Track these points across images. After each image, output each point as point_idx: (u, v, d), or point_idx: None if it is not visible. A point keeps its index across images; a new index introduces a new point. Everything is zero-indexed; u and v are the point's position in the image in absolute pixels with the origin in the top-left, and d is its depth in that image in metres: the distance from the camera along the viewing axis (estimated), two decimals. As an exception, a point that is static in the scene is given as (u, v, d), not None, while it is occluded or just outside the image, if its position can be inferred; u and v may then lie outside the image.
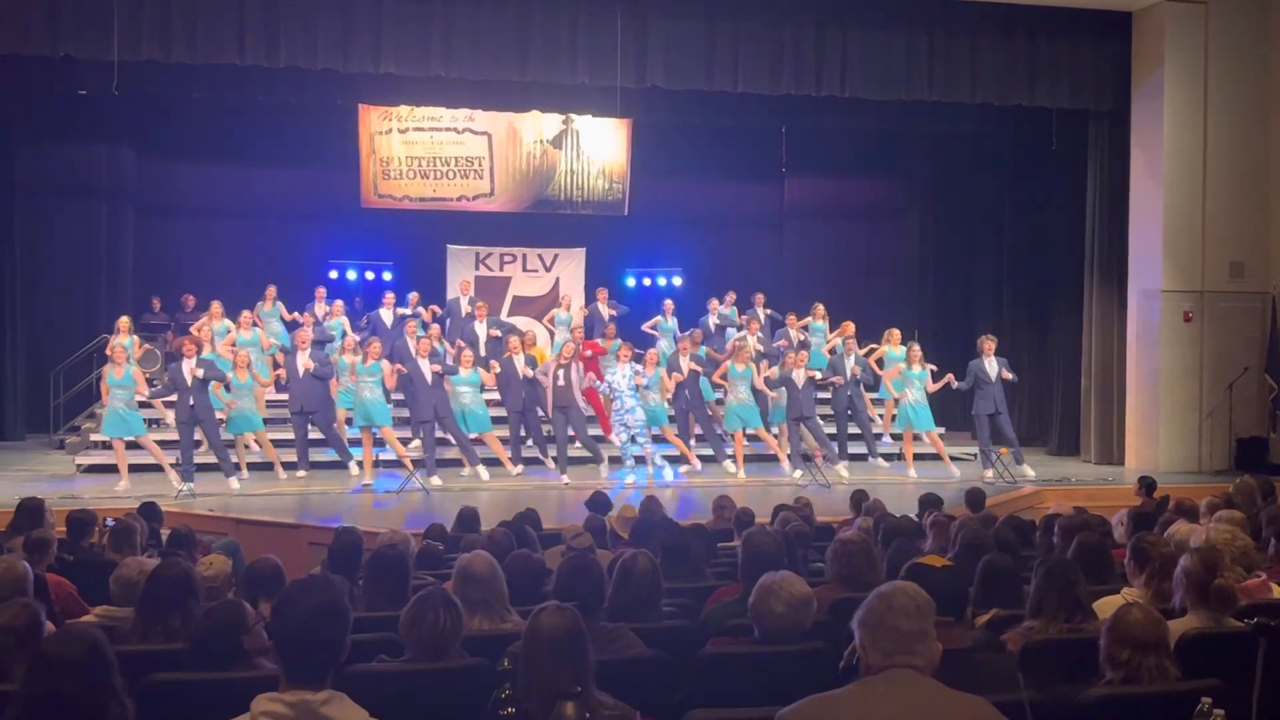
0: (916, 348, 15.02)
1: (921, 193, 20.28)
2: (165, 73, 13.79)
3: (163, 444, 13.66)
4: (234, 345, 14.69)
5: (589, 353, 15.51)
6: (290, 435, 14.29)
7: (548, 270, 19.46)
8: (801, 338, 16.18)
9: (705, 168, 19.51)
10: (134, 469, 13.37)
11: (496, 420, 14.76)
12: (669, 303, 17.59)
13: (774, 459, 14.88)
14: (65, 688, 3.06)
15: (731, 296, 17.60)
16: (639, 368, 14.14)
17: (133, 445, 13.39)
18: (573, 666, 3.48)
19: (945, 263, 19.81)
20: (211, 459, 13.55)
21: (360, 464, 14.00)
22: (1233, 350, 15.47)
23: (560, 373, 14.44)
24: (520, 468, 14.45)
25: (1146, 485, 10.76)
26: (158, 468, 13.28)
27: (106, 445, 14.85)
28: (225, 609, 4.35)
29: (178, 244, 18.80)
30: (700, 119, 16.78)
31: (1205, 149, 15.35)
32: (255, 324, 15.65)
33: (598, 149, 19.16)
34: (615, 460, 14.35)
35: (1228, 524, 6.29)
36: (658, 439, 14.51)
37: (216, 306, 15.57)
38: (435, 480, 13.50)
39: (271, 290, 16.48)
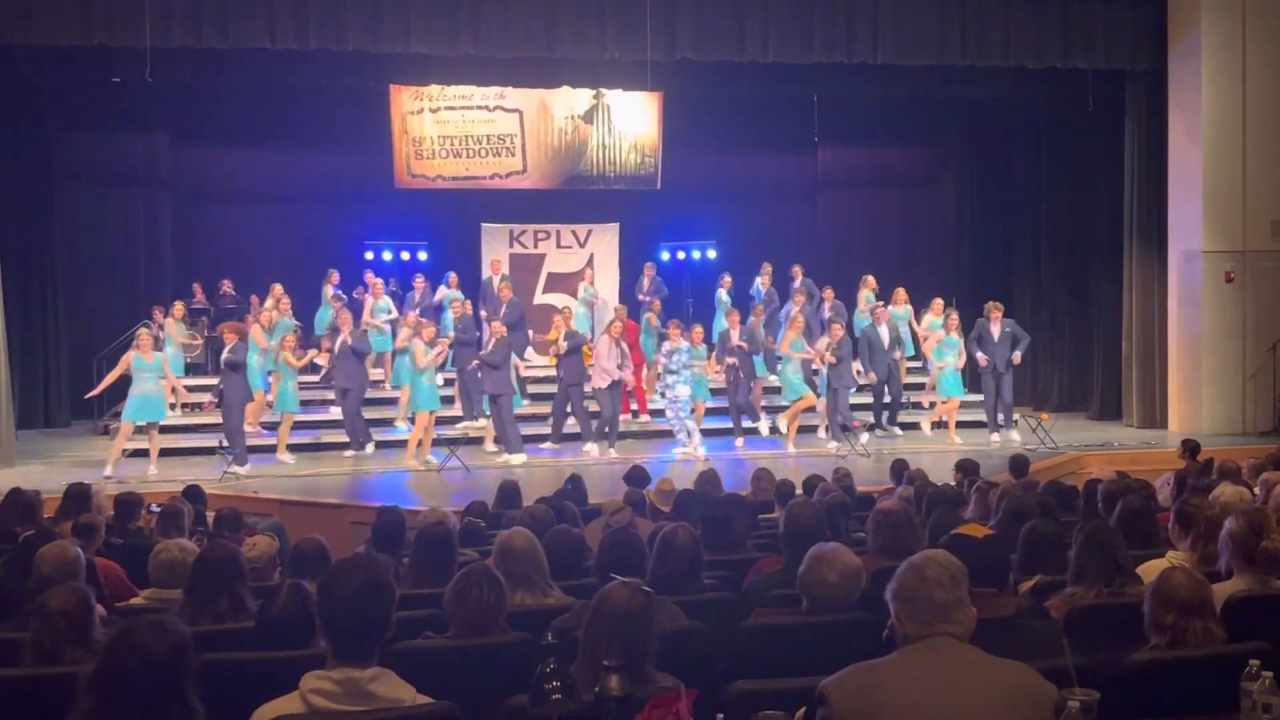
0: (954, 315, 15.03)
1: (957, 159, 20.06)
2: (197, 59, 13.90)
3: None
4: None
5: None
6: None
7: (582, 246, 19.41)
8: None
9: (737, 139, 19.39)
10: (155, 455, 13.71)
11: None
12: (727, 278, 17.27)
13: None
14: (141, 674, 3.07)
15: (767, 268, 17.58)
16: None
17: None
18: (626, 645, 3.47)
19: (982, 229, 19.58)
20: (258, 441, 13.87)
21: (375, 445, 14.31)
22: (1276, 310, 15.22)
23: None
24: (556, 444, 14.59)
25: (1190, 448, 10.64)
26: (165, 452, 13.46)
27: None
28: (295, 591, 4.37)
29: (214, 230, 18.91)
30: (731, 90, 16.68)
31: (1244, 107, 15.07)
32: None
33: (629, 123, 19.07)
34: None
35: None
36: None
37: (278, 289, 15.71)
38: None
39: (334, 276, 16.65)
